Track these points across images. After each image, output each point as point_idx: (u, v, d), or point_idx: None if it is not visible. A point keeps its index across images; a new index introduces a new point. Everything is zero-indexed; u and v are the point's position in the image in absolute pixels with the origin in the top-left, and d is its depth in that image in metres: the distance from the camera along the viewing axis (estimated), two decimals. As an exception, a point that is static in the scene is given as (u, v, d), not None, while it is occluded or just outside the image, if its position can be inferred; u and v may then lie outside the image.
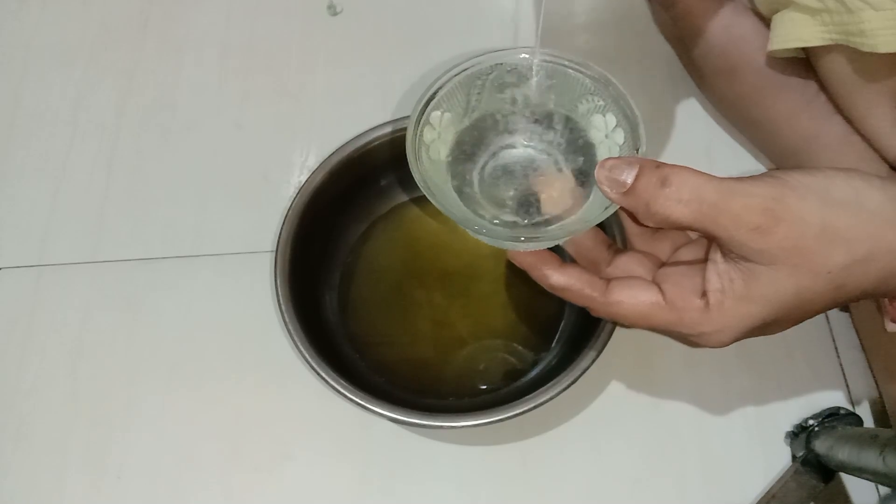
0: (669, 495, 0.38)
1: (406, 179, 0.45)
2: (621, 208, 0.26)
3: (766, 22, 0.40)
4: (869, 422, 0.39)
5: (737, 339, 0.27)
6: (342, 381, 0.35)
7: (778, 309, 0.25)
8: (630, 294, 0.28)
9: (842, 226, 0.24)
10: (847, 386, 0.40)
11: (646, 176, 0.25)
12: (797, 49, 0.38)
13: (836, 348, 0.41)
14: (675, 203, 0.24)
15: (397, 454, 0.40)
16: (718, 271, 0.26)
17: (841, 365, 0.41)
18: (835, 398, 0.40)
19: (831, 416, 0.38)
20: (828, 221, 0.24)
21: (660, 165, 0.25)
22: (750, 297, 0.25)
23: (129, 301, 0.44)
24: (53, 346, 0.43)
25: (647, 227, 0.28)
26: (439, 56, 0.51)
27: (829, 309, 0.27)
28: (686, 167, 0.25)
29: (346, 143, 0.41)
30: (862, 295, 0.26)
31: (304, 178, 0.41)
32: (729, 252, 0.25)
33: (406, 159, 0.43)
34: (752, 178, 0.25)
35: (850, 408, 0.39)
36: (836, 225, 0.24)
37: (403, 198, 0.45)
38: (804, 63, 0.40)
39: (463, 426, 0.35)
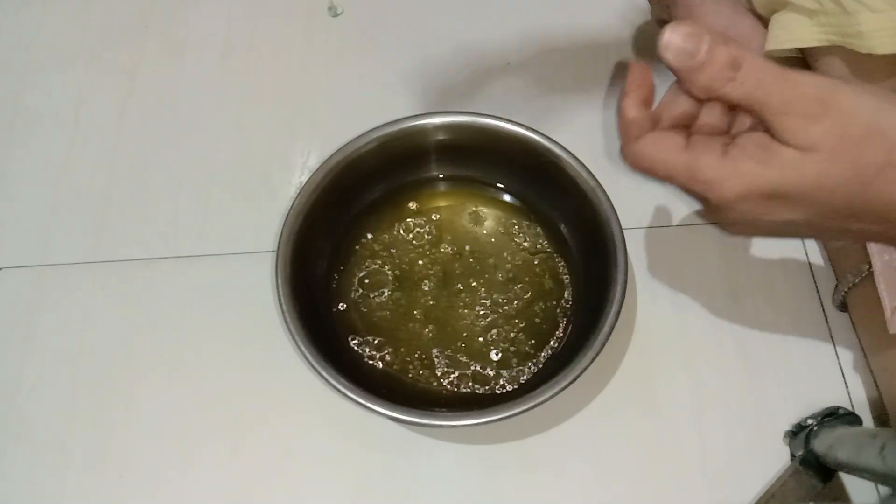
0: (668, 495, 0.38)
1: (406, 179, 0.45)
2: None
3: (764, 22, 0.40)
4: (868, 421, 0.39)
5: (738, 198, 0.27)
6: (342, 381, 0.36)
7: (791, 184, 0.26)
8: (656, 138, 0.28)
9: (889, 126, 0.24)
10: (846, 385, 0.40)
11: (719, 54, 0.25)
12: (794, 50, 0.38)
13: (834, 348, 0.41)
14: (736, 84, 0.25)
15: (397, 454, 0.40)
16: (750, 135, 0.26)
17: (840, 364, 0.41)
18: (834, 397, 0.40)
19: (830, 416, 0.38)
20: (877, 119, 0.24)
21: (727, 42, 0.25)
22: (768, 162, 0.26)
23: (130, 301, 0.44)
24: (54, 346, 0.43)
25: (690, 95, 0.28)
26: (439, 57, 0.51)
27: (842, 220, 0.26)
28: (748, 51, 0.25)
29: (347, 143, 0.41)
30: (881, 212, 0.25)
31: (304, 179, 0.41)
32: (772, 132, 0.26)
33: (403, 160, 0.44)
34: (809, 72, 0.25)
35: (849, 407, 0.39)
36: (883, 124, 0.24)
37: (404, 197, 0.45)
38: (801, 64, 0.40)
39: (463, 425, 0.35)
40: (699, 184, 0.27)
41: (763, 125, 0.26)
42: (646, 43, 0.51)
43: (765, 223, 0.28)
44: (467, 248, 0.44)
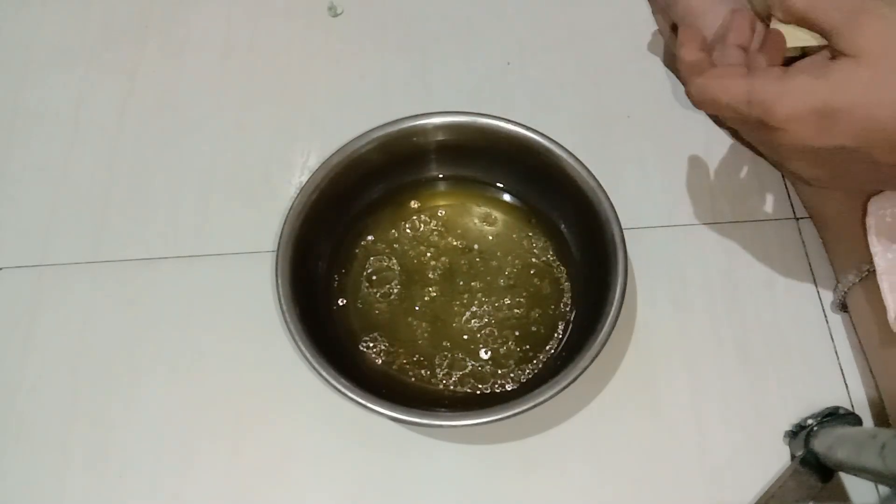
0: (668, 495, 0.39)
1: (406, 179, 0.45)
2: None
3: (765, 23, 0.40)
4: (868, 421, 0.39)
5: (792, 116, 0.28)
6: (342, 381, 0.36)
7: (843, 95, 0.27)
8: (717, 70, 0.31)
9: None
10: (846, 385, 0.41)
11: None
12: (796, 49, 0.38)
13: (834, 348, 0.41)
14: None
15: (397, 454, 0.40)
16: (810, 57, 0.29)
17: (840, 364, 0.41)
18: (834, 397, 0.40)
19: (830, 416, 0.38)
20: None
21: None
22: (823, 75, 0.27)
23: (130, 301, 0.44)
24: (54, 346, 0.43)
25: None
26: (439, 57, 0.51)
27: (892, 150, 0.27)
28: None
29: (347, 143, 0.41)
30: None
31: (304, 179, 0.41)
32: (832, 44, 0.28)
33: (403, 160, 0.44)
34: None
35: (849, 407, 0.39)
36: None
37: (404, 197, 0.45)
38: None
39: (463, 425, 0.36)
40: (756, 106, 0.29)
41: (828, 42, 0.28)
42: (646, 41, 0.51)
43: (819, 153, 0.29)
44: (476, 246, 0.44)
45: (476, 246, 0.44)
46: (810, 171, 0.31)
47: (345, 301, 0.43)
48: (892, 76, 0.26)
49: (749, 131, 0.32)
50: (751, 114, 0.30)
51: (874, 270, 0.37)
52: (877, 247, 0.37)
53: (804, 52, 0.39)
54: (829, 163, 0.29)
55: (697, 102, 0.33)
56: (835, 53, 0.28)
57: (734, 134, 0.36)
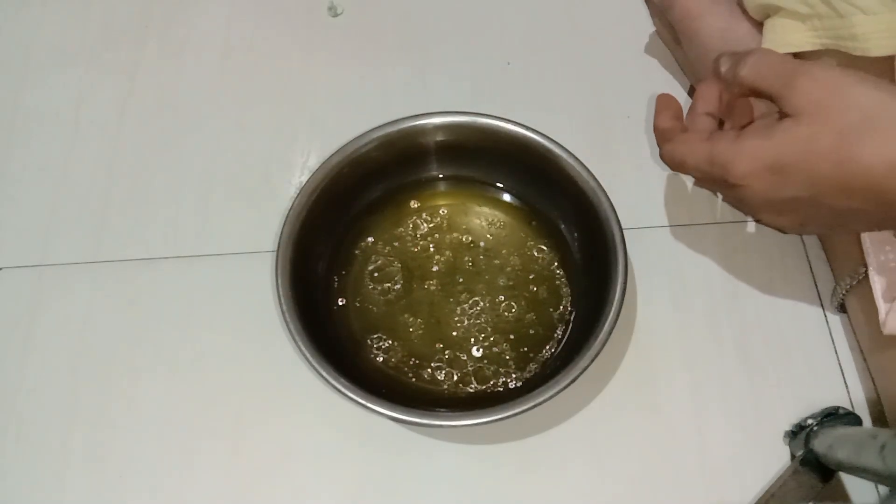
0: (668, 495, 0.39)
1: (406, 179, 0.45)
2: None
3: (760, 26, 0.40)
4: (868, 421, 0.39)
5: (747, 174, 0.31)
6: (342, 381, 0.36)
7: (787, 151, 0.30)
8: (683, 136, 0.35)
9: (860, 93, 0.29)
10: (846, 385, 0.41)
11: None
12: (790, 54, 0.38)
13: (834, 348, 0.41)
14: (747, 68, 0.32)
15: (397, 454, 0.40)
16: (761, 119, 0.32)
17: (840, 364, 0.41)
18: (834, 397, 0.40)
19: (830, 416, 0.38)
20: (850, 87, 0.29)
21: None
22: (769, 135, 0.30)
23: (130, 301, 0.44)
24: (54, 346, 0.43)
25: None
26: (439, 57, 0.51)
27: (839, 195, 0.30)
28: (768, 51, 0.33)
29: (347, 143, 0.41)
30: (870, 184, 0.28)
31: (304, 179, 0.41)
32: (780, 107, 0.31)
33: (403, 160, 0.44)
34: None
35: (849, 407, 0.40)
36: (855, 91, 0.29)
37: (404, 197, 0.45)
38: None
39: (463, 425, 0.36)
40: (717, 167, 0.32)
41: (777, 105, 0.31)
42: (644, 42, 0.51)
43: (778, 203, 0.31)
44: (470, 247, 0.44)
45: (482, 243, 0.44)
46: (778, 221, 0.33)
47: (345, 301, 0.43)
48: (825, 130, 0.29)
49: (717, 189, 0.35)
50: (713, 173, 0.33)
51: (869, 273, 0.37)
52: (869, 248, 0.37)
53: (797, 57, 0.40)
54: (791, 212, 0.32)
55: (669, 164, 0.36)
56: (781, 115, 0.31)
57: (713, 193, 0.40)
